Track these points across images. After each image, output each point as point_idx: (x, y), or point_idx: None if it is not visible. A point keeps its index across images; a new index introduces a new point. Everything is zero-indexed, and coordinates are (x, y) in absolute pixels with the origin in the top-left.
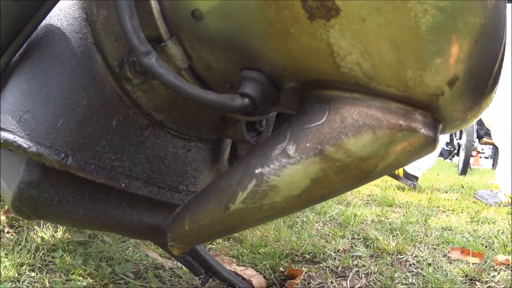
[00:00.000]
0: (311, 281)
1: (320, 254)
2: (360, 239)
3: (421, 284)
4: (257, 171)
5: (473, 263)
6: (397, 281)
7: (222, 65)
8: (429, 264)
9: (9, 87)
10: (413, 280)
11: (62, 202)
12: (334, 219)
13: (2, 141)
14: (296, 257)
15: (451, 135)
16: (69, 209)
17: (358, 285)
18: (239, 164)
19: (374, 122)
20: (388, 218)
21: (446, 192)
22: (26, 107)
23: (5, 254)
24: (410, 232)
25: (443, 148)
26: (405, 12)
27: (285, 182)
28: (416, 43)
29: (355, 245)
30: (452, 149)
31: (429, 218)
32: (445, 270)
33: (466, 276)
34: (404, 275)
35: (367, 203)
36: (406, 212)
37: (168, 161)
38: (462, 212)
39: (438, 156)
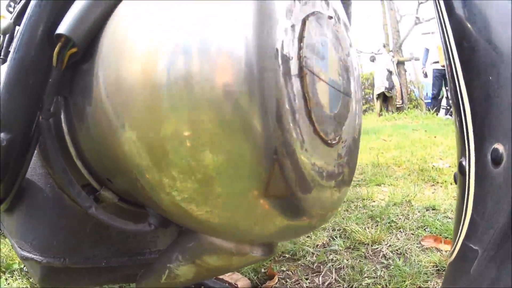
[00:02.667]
0: (287, 279)
1: (299, 251)
2: (341, 230)
3: (387, 277)
4: (169, 265)
5: (446, 251)
6: (365, 274)
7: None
8: (401, 254)
9: (17, 224)
10: (381, 273)
11: (71, 277)
12: None
13: (24, 257)
14: (277, 257)
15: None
16: (78, 281)
17: (329, 281)
18: (160, 258)
19: (218, 250)
20: (373, 201)
21: (441, 159)
22: (31, 237)
23: None
24: (391, 217)
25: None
26: None
27: (182, 273)
28: None
29: (333, 239)
30: (449, 107)
31: (414, 197)
32: (414, 261)
33: (436, 266)
34: (373, 268)
35: (358, 184)
36: (392, 193)
37: (129, 237)
38: (451, 184)
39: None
